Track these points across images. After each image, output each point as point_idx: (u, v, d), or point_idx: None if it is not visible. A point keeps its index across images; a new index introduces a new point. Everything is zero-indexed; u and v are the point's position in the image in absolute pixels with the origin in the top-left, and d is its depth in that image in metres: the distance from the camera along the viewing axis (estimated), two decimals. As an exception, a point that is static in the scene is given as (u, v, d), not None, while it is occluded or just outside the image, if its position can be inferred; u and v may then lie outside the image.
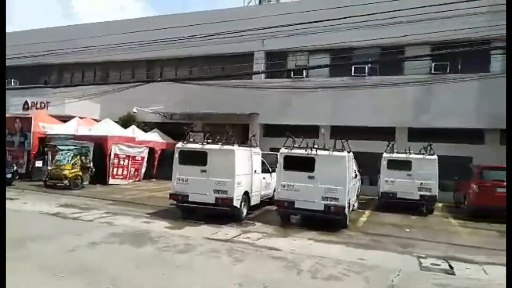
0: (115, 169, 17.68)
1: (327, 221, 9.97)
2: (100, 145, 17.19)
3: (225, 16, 19.35)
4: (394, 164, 13.86)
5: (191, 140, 11.17)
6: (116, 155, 17.58)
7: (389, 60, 18.75)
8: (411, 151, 14.01)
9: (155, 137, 20.65)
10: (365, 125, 18.17)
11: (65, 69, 26.23)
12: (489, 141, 17.42)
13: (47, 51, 20.23)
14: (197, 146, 10.73)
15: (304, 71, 19.52)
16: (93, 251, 7.05)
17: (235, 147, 10.55)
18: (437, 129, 17.11)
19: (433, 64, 17.60)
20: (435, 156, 13.64)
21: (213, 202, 10.23)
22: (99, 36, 20.56)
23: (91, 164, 16.52)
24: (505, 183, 12.30)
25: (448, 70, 17.39)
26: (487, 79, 16.46)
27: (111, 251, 7.20)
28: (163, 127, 21.79)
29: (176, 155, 10.82)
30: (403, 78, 17.54)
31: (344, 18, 13.50)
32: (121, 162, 18.02)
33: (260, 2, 32.12)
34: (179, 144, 11.02)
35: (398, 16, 12.59)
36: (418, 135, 17.15)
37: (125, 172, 18.28)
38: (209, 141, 11.07)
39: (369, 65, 18.57)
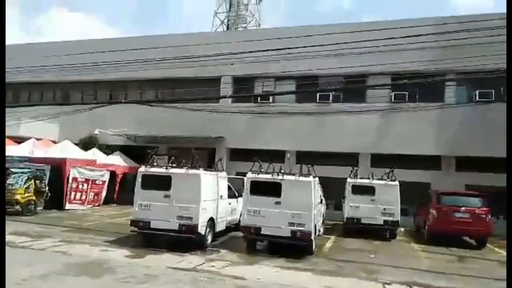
0: (73, 194, 16.80)
1: (294, 247, 9.87)
2: (58, 168, 16.33)
3: (194, 40, 19.48)
4: (358, 190, 14.11)
5: (155, 164, 10.85)
6: (74, 178, 16.75)
7: (351, 88, 19.47)
8: (374, 177, 14.34)
9: (117, 160, 19.95)
10: (330, 151, 18.53)
11: (22, 89, 25.08)
12: (445, 167, 18.22)
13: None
14: (161, 170, 10.42)
15: (270, 96, 19.81)
16: (44, 283, 6.52)
17: (201, 172, 10.34)
18: (398, 155, 17.71)
19: (393, 93, 18.44)
20: (396, 182, 14.02)
21: (177, 228, 9.87)
22: (59, 56, 19.93)
23: (47, 188, 15.58)
24: (462, 208, 12.87)
25: (407, 99, 18.24)
26: (442, 108, 17.46)
27: (65, 284, 6.69)
28: (127, 150, 21.14)
29: (139, 179, 10.43)
30: (366, 105, 18.25)
31: (309, 47, 13.95)
32: (80, 186, 17.18)
33: (228, 28, 32.78)
34: (142, 168, 10.66)
35: (361, 47, 13.14)
36: (380, 160, 17.66)
37: (83, 197, 17.42)
38: (173, 165, 10.80)
39: (333, 93, 19.16)
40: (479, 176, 17.08)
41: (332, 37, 14.13)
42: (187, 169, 10.36)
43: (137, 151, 19.67)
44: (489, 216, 12.88)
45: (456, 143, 17.35)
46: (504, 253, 11.76)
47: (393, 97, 18.45)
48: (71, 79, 21.04)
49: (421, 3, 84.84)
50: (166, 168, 10.45)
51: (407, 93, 18.21)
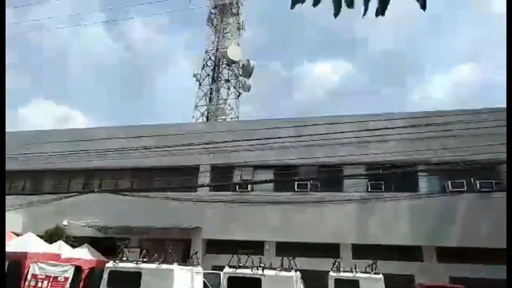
0: (30, 293, 15.14)
1: None
2: (17, 263, 14.95)
3: (173, 130, 19.80)
4: (341, 284, 13.34)
5: (124, 258, 10.09)
6: (34, 275, 15.22)
7: (328, 177, 19.72)
8: (358, 270, 13.73)
9: (84, 254, 18.45)
10: (310, 241, 17.97)
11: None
12: (427, 258, 17.80)
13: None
14: (130, 266, 9.68)
15: (248, 185, 19.72)
16: None
17: (174, 266, 9.63)
18: (379, 246, 17.31)
19: (369, 183, 18.72)
20: (380, 276, 13.42)
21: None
22: (35, 144, 19.70)
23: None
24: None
25: (383, 189, 18.48)
26: (418, 198, 17.69)
27: None
28: (97, 243, 19.78)
29: (105, 276, 9.60)
30: (344, 195, 18.31)
31: (286, 137, 14.38)
32: (39, 284, 15.53)
33: (207, 119, 33.86)
34: (110, 263, 9.89)
35: (336, 138, 13.63)
36: (362, 252, 17.15)
37: (42, 296, 15.70)
38: (145, 259, 10.07)
39: (311, 182, 19.29)
40: (460, 267, 16.68)
41: (308, 129, 14.72)
42: (159, 263, 9.65)
43: (108, 244, 18.48)
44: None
45: (434, 233, 17.26)
46: None
47: (369, 187, 18.68)
48: (42, 167, 20.51)
49: (395, 101, 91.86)
50: (136, 263, 9.71)
51: (383, 182, 18.54)
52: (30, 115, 76.70)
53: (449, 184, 17.70)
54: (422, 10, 1.62)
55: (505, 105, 17.12)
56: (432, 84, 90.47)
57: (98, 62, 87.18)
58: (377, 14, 1.65)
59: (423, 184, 18.43)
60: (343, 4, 1.68)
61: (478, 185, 17.36)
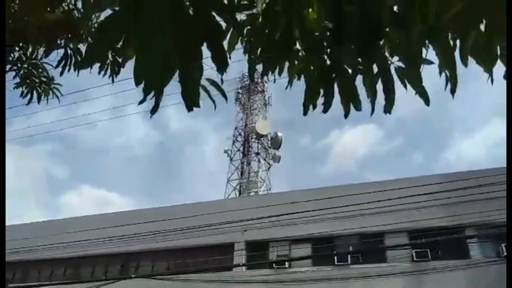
0: None
1: None
2: None
3: (206, 208, 19.90)
4: None
5: None
6: None
7: (369, 249, 18.70)
8: None
9: None
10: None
11: (31, 266, 24.56)
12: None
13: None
14: None
15: (286, 262, 18.92)
16: None
17: None
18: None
19: (413, 251, 17.51)
20: None
21: None
22: (73, 232, 20.22)
23: None
24: None
25: (429, 258, 17.19)
26: (471, 266, 16.25)
27: None
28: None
29: None
30: (386, 266, 17.13)
31: (321, 209, 14.07)
32: None
33: (240, 194, 33.98)
34: None
35: (379, 207, 13.22)
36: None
37: None
38: None
39: (351, 254, 18.30)
40: None
41: (346, 198, 14.40)
42: None
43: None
44: None
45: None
46: None
47: (414, 256, 17.44)
48: (82, 254, 20.78)
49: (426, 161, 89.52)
50: None
51: (428, 250, 17.32)
52: (73, 202, 79.87)
53: (503, 248, 16.28)
54: (426, 105, 1.68)
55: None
56: (467, 143, 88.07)
57: (136, 149, 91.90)
58: (384, 112, 1.72)
59: (475, 250, 17.06)
60: (352, 106, 1.77)
61: (536, 247, 15.88)
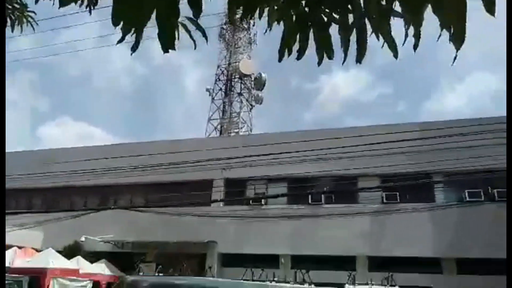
0: (50, 308, 15.44)
1: None
2: (37, 278, 15.30)
3: (187, 145, 20.14)
4: (357, 297, 13.22)
5: (141, 273, 10.29)
6: (53, 291, 15.57)
7: (343, 190, 19.67)
8: (373, 283, 13.59)
9: (101, 269, 18.78)
10: (325, 254, 17.85)
11: (9, 196, 24.76)
12: (446, 271, 17.44)
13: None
14: (147, 279, 9.83)
15: (263, 199, 19.80)
16: None
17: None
18: (396, 258, 17.06)
19: (384, 194, 18.56)
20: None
21: None
22: (51, 163, 20.27)
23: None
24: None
25: (398, 200, 18.29)
26: (436, 209, 17.43)
27: None
28: (114, 258, 20.13)
29: (123, 292, 9.77)
30: (358, 206, 18.21)
31: (300, 151, 14.48)
32: (59, 299, 15.88)
33: (220, 134, 34.24)
34: (127, 278, 10.08)
35: (351, 151, 13.68)
36: (378, 264, 16.96)
37: (61, 311, 15.97)
38: (160, 274, 10.25)
39: (325, 194, 19.25)
40: (483, 280, 16.26)
41: (321, 141, 14.80)
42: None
43: (124, 258, 18.77)
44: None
45: (454, 244, 16.94)
46: None
47: (384, 198, 18.51)
48: (60, 185, 21.04)
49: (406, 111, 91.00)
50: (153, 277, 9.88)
51: (398, 193, 18.37)
52: (53, 134, 78.76)
53: (466, 193, 17.41)
54: (394, 58, 1.76)
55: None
56: (453, 93, 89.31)
57: (117, 81, 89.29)
58: (356, 62, 1.79)
59: (440, 195, 18.19)
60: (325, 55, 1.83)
61: (496, 194, 17.05)
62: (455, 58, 1.58)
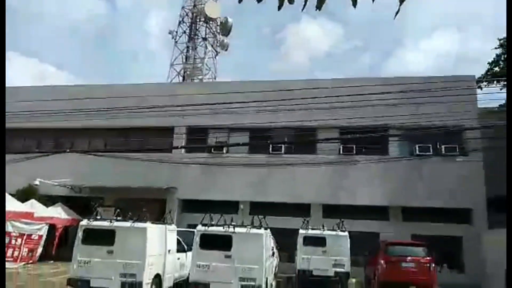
0: (4, 250, 15.27)
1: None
2: (-11, 221, 14.92)
3: (148, 90, 19.51)
4: (309, 241, 14.09)
5: (99, 217, 10.28)
6: (7, 233, 15.33)
7: (302, 141, 20.15)
8: (325, 228, 14.47)
9: (57, 213, 18.57)
10: (283, 201, 18.62)
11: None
12: (392, 218, 18.85)
13: None
14: (104, 224, 9.85)
15: (224, 147, 19.91)
16: None
17: (147, 225, 9.90)
18: (349, 206, 18.14)
19: (341, 146, 19.26)
20: (346, 233, 14.21)
21: (119, 287, 9.21)
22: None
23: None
24: (408, 258, 13.18)
25: (354, 152, 19.09)
26: (387, 161, 18.43)
27: None
28: (71, 202, 19.89)
29: (79, 234, 9.78)
30: (316, 157, 18.86)
31: (263, 101, 14.47)
32: (13, 242, 15.69)
33: (184, 80, 33.28)
34: (84, 221, 10.04)
35: (311, 103, 13.85)
36: (332, 211, 17.97)
37: (15, 253, 15.85)
38: (119, 218, 10.29)
39: (285, 145, 19.67)
40: (422, 226, 17.79)
41: (283, 92, 14.82)
42: (132, 222, 9.89)
43: (82, 203, 18.61)
44: (433, 265, 13.25)
45: (401, 194, 18.18)
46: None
47: (341, 150, 19.23)
48: (13, 126, 19.93)
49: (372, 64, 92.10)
50: (110, 221, 9.91)
51: (354, 146, 19.12)
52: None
53: (417, 148, 18.43)
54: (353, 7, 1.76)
55: (472, 73, 17.75)
56: (418, 51, 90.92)
57: (75, 19, 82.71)
58: (316, 8, 1.77)
59: (393, 148, 19.12)
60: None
61: (443, 149, 18.19)
62: (397, 13, 1.59)
